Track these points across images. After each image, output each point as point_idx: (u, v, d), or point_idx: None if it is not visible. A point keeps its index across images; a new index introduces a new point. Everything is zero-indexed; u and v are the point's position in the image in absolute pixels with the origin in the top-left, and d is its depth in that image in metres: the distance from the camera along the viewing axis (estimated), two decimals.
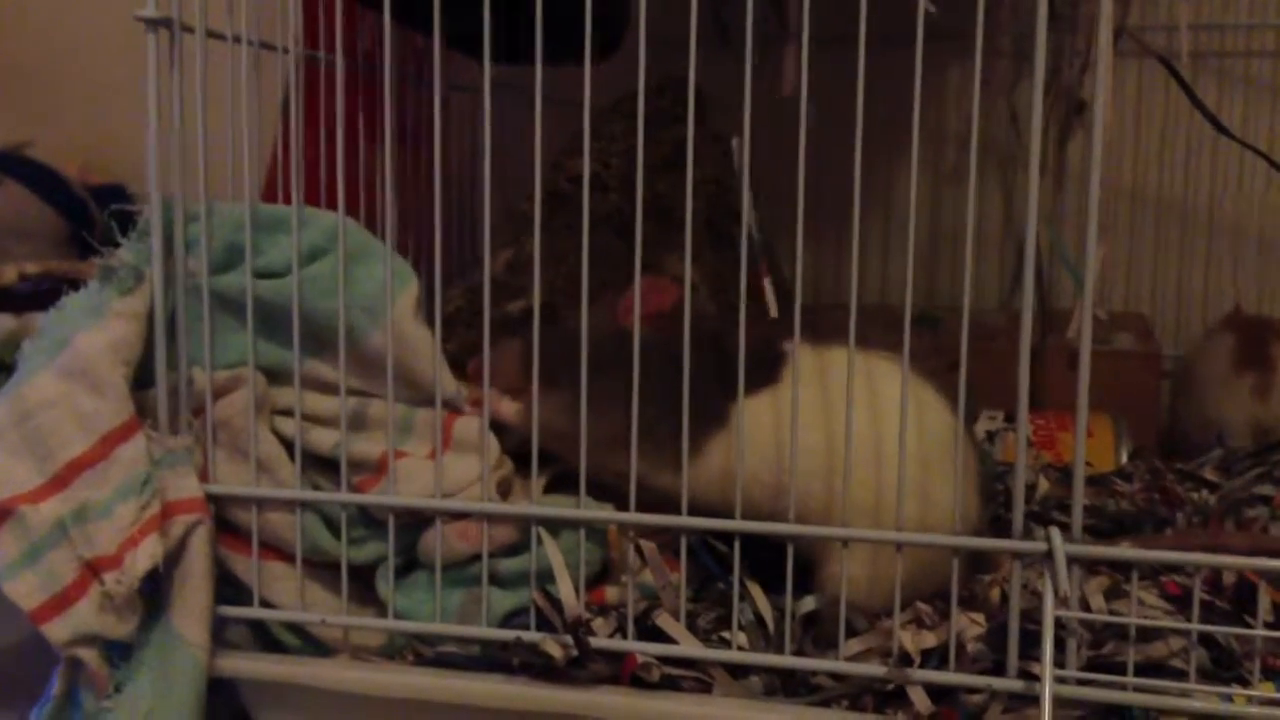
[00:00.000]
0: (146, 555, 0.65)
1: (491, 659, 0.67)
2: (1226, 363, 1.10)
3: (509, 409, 0.72)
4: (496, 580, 0.69)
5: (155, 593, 0.67)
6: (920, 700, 0.63)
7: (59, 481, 0.66)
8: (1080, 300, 0.61)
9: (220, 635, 0.69)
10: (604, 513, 0.68)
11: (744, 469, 0.65)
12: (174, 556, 0.67)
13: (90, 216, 1.27)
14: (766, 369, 0.69)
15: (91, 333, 0.68)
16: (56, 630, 0.65)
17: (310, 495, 0.69)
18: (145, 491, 0.66)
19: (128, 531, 0.65)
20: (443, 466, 0.68)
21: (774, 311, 0.75)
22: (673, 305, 0.70)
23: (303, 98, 0.74)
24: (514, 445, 0.73)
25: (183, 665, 0.66)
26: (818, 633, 0.67)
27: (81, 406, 0.67)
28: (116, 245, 0.71)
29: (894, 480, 0.63)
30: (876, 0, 0.61)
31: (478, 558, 0.68)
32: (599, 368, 0.66)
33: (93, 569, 0.65)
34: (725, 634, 0.66)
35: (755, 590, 0.68)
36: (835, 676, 0.64)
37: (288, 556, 0.71)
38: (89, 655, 0.65)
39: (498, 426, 0.71)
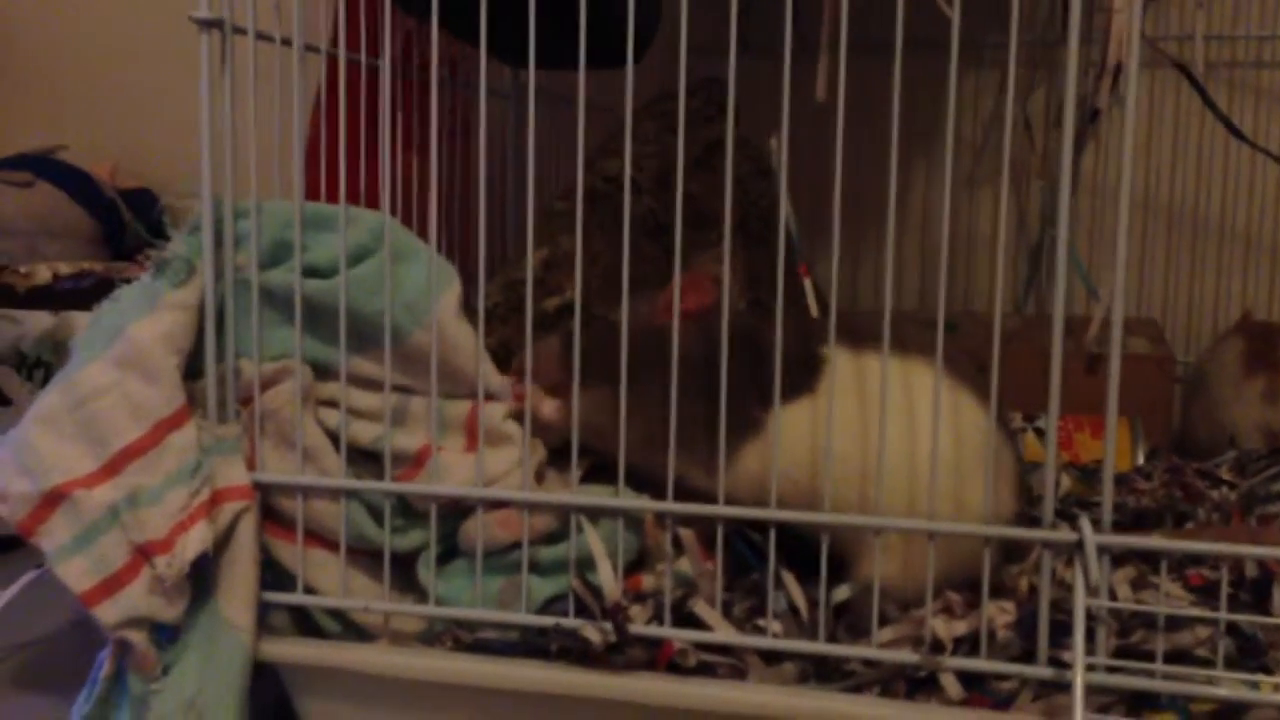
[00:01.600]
0: (197, 540, 0.66)
1: (530, 644, 0.68)
2: (1236, 367, 1.12)
3: (550, 408, 0.74)
4: (535, 568, 0.70)
5: (202, 578, 0.69)
6: (951, 687, 0.64)
7: (111, 467, 0.68)
8: (1111, 292, 0.63)
9: (262, 620, 0.71)
10: (642, 501, 0.69)
11: (779, 477, 0.66)
12: (221, 542, 0.68)
13: (120, 219, 1.29)
14: (804, 376, 0.70)
15: (145, 323, 0.69)
16: (107, 612, 0.66)
17: (355, 484, 0.71)
18: (196, 478, 0.68)
19: (178, 517, 0.67)
20: (483, 457, 0.70)
21: (815, 311, 0.76)
22: (712, 304, 0.71)
23: (344, 99, 0.76)
24: (552, 442, 0.75)
25: (228, 649, 0.68)
26: (850, 621, 0.68)
27: (134, 394, 0.69)
28: (166, 239, 0.72)
29: (929, 487, 0.65)
30: (892, 8, 0.63)
31: (517, 545, 0.70)
32: (635, 367, 0.67)
33: (144, 553, 0.66)
34: (760, 621, 0.68)
35: (789, 579, 0.70)
36: (868, 663, 0.66)
37: (330, 544, 0.72)
38: (138, 638, 0.67)
39: (534, 423, 0.73)
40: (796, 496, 0.68)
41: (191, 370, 0.72)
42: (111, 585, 0.67)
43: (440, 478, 0.70)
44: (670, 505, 0.68)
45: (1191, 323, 1.37)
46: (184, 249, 0.71)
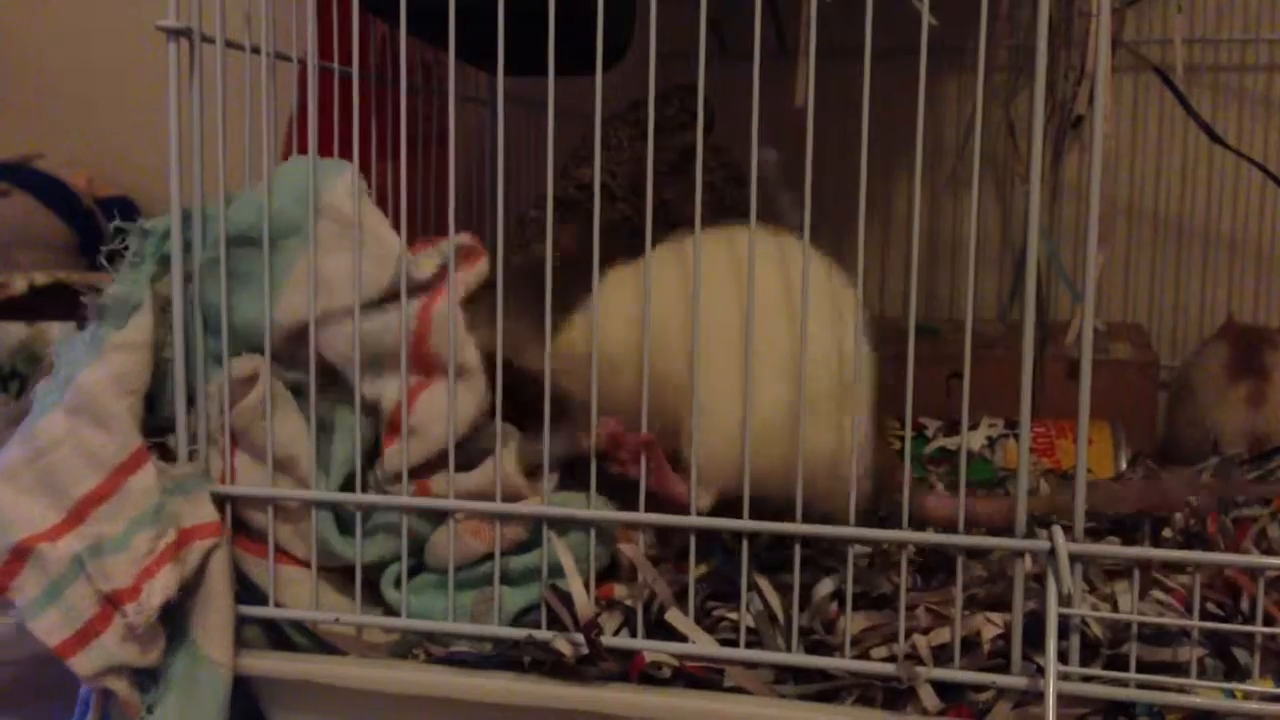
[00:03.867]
0: (162, 586, 0.65)
1: (503, 657, 0.68)
2: (1221, 372, 1.12)
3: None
4: (506, 578, 0.70)
5: (179, 615, 0.68)
6: (928, 698, 0.64)
7: (74, 518, 0.67)
8: (1080, 302, 0.62)
9: (235, 634, 0.70)
10: (613, 512, 0.69)
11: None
12: (195, 580, 0.68)
13: (98, 228, 1.28)
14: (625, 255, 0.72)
15: (92, 369, 0.68)
16: (83, 664, 0.65)
17: (325, 495, 0.70)
18: (159, 521, 0.67)
19: (144, 562, 0.66)
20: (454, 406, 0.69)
21: None
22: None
23: (313, 108, 0.75)
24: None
25: (208, 683, 0.68)
26: (820, 611, 0.68)
27: (89, 442, 0.68)
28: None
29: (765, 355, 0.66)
30: (874, 12, 0.62)
31: (488, 557, 0.69)
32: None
33: (112, 601, 0.66)
34: (733, 615, 0.67)
35: (764, 584, 0.69)
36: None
37: (300, 560, 0.72)
38: (118, 685, 0.66)
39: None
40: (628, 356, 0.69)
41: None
42: (85, 636, 0.66)
43: (426, 429, 0.70)
44: (642, 516, 0.67)
45: (1177, 328, 1.37)
46: (121, 290, 0.70)
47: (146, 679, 0.68)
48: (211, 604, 0.68)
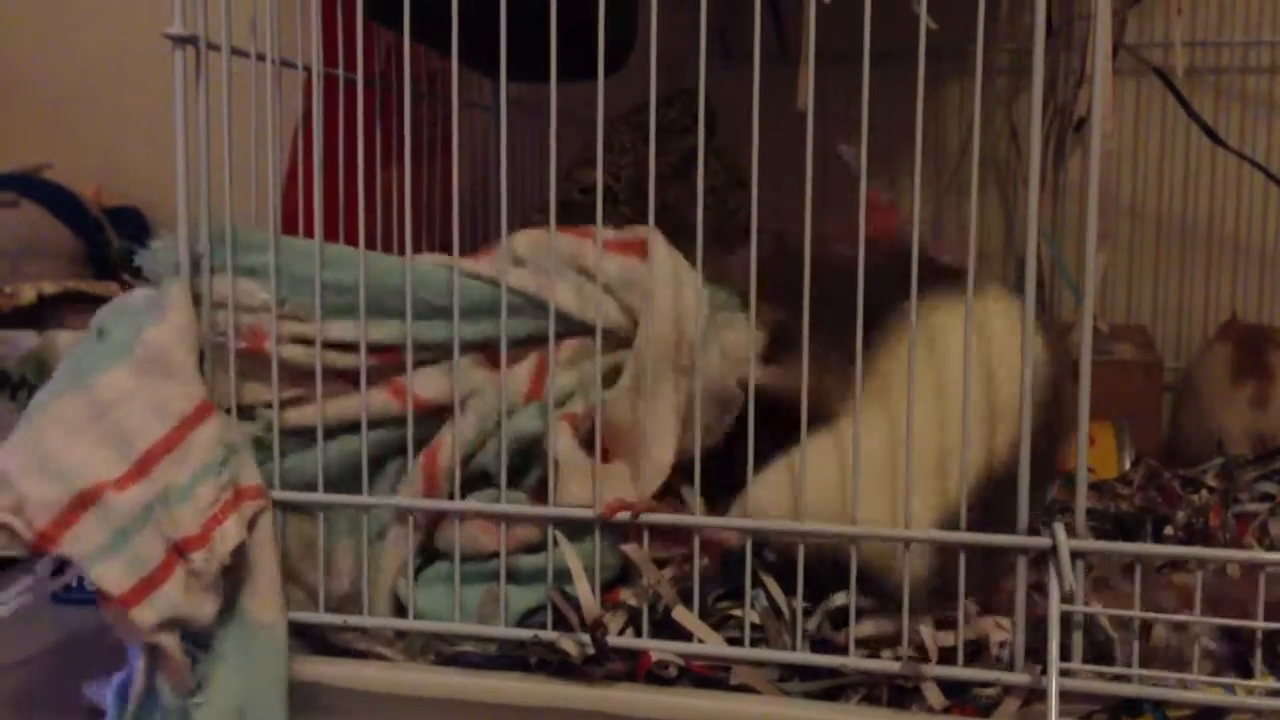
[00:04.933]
0: (233, 533, 0.66)
1: (509, 657, 0.68)
2: (1224, 373, 1.12)
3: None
4: (515, 577, 0.70)
5: (227, 583, 0.68)
6: (934, 696, 0.64)
7: (141, 468, 0.67)
8: (1082, 302, 0.63)
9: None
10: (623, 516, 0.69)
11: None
12: (244, 542, 0.68)
13: (105, 238, 1.29)
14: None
15: (158, 325, 0.69)
16: (144, 614, 0.65)
17: (333, 498, 0.71)
18: (223, 473, 0.67)
19: (210, 511, 0.66)
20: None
21: None
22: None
23: (319, 116, 0.75)
24: None
25: (264, 651, 0.68)
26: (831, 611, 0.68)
27: (157, 393, 0.68)
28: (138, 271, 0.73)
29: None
30: (876, 17, 0.63)
31: (497, 554, 0.69)
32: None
33: (179, 550, 0.66)
34: (738, 613, 0.67)
35: (770, 582, 0.69)
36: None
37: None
38: (170, 642, 0.65)
39: None
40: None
41: None
42: (149, 584, 0.65)
43: None
44: (649, 517, 0.68)
45: (1181, 330, 1.37)
46: (171, 252, 0.71)
47: (196, 646, 0.67)
48: (260, 568, 0.68)
